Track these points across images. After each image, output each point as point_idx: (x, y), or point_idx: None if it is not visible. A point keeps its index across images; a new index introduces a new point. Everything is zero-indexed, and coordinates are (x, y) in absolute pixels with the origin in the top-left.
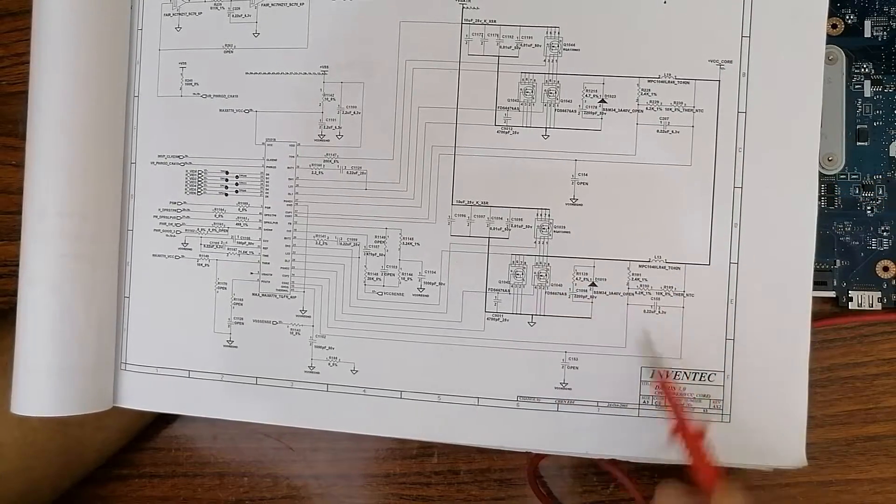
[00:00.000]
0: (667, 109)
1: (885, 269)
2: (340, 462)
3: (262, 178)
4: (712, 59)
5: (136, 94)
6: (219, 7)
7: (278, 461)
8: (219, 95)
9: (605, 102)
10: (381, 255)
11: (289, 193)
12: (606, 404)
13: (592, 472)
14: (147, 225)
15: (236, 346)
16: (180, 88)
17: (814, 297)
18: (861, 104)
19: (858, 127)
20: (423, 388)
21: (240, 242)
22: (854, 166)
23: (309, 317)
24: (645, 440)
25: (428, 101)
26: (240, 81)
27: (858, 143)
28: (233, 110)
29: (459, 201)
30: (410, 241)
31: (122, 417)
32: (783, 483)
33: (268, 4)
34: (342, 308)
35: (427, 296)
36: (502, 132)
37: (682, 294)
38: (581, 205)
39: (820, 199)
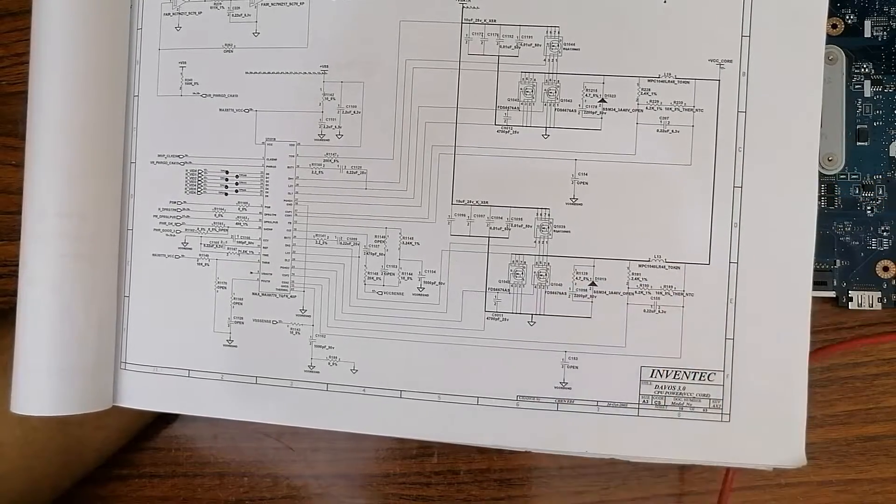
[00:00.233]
0: (667, 109)
1: (885, 269)
2: (340, 462)
3: (262, 177)
4: (712, 59)
5: (136, 94)
6: (219, 6)
7: (278, 461)
8: (219, 95)
9: (605, 102)
10: (381, 254)
11: (289, 193)
12: (606, 404)
13: (593, 471)
14: (147, 224)
15: (236, 346)
16: (180, 88)
17: (814, 297)
18: (861, 104)
19: (858, 127)
20: (423, 388)
21: (240, 242)
22: (854, 166)
23: (309, 316)
24: (645, 440)
25: (428, 101)
26: (240, 81)
27: (858, 143)
28: (233, 110)
29: (459, 201)
30: (410, 241)
31: (122, 417)
32: (783, 483)
33: (268, 4)
34: (342, 307)
35: (427, 295)
36: (502, 132)
37: (682, 293)
38: (581, 204)
39: (820, 199)
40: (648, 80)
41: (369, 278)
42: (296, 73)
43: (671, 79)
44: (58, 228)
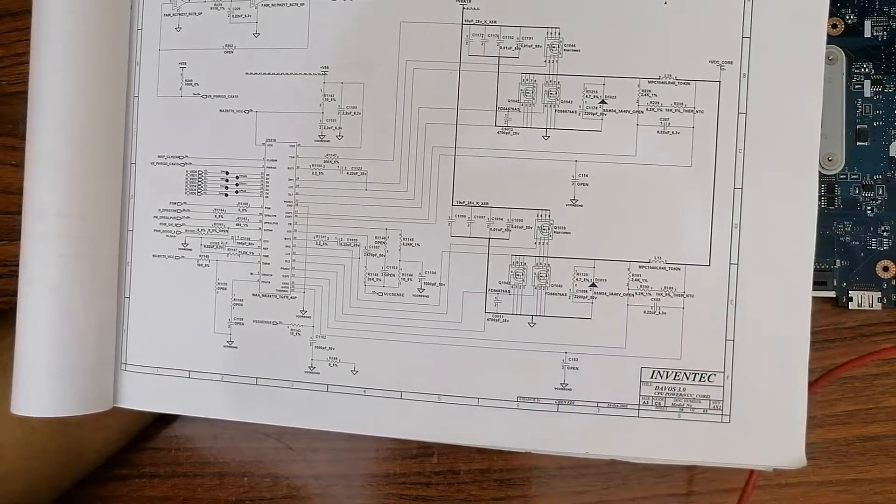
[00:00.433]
0: (667, 110)
1: (885, 269)
2: (340, 462)
3: (263, 178)
4: (713, 60)
5: (136, 95)
6: (219, 7)
7: (278, 461)
8: (219, 96)
9: (605, 103)
10: (381, 255)
11: (289, 194)
12: (606, 404)
13: (593, 472)
14: (147, 225)
15: (236, 347)
16: (180, 89)
17: (814, 297)
18: (861, 104)
19: (858, 127)
20: (423, 389)
21: (240, 243)
22: (854, 166)
23: (309, 317)
24: (645, 440)
25: (428, 102)
26: (240, 82)
27: (858, 143)
28: (233, 110)
29: (460, 202)
30: (411, 242)
31: (122, 418)
32: (783, 483)
33: (268, 5)
34: (342, 308)
35: (427, 296)
36: (503, 133)
37: (682, 295)
38: (581, 205)
39: (820, 199)
40: (649, 82)
41: (369, 279)
42: (296, 73)
43: (671, 80)
44: (58, 229)
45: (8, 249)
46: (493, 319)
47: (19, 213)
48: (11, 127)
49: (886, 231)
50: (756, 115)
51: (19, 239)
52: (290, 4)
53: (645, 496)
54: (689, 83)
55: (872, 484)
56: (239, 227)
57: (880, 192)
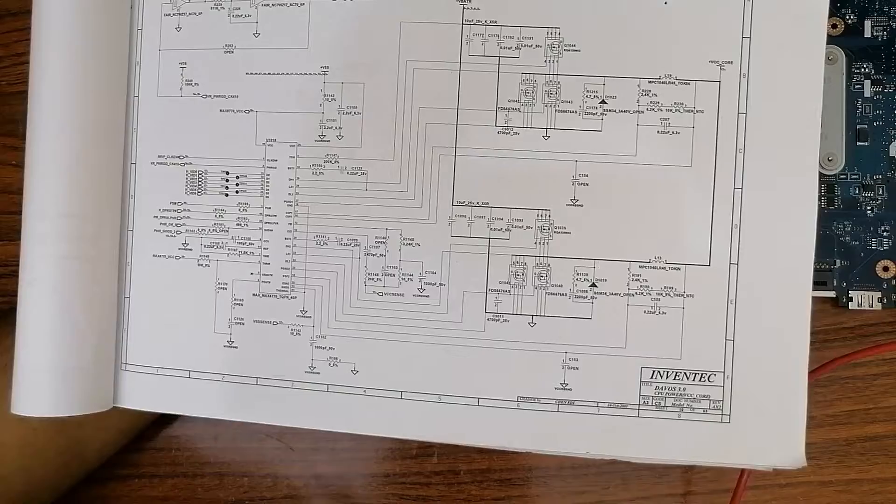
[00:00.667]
0: (667, 110)
1: (885, 269)
2: (340, 462)
3: (263, 178)
4: (713, 60)
5: (136, 95)
6: (219, 7)
7: (278, 461)
8: (219, 96)
9: (605, 103)
10: (381, 255)
11: (289, 194)
12: (606, 404)
13: (593, 471)
14: (147, 225)
15: (236, 347)
16: (180, 89)
17: (814, 297)
18: (861, 104)
19: (858, 127)
20: (423, 389)
21: (240, 243)
22: (854, 166)
23: (309, 317)
24: (645, 440)
25: (428, 102)
26: (240, 82)
27: (858, 143)
28: (233, 110)
29: (460, 202)
30: (411, 242)
31: (123, 418)
32: (783, 483)
33: (268, 5)
34: (343, 308)
35: (427, 296)
36: (503, 133)
37: (683, 295)
38: (581, 205)
39: (820, 199)
40: (649, 82)
41: (370, 279)
42: (296, 73)
43: (672, 80)
44: (58, 229)
45: (8, 249)
46: (493, 319)
47: (19, 213)
48: (11, 127)
49: (886, 231)
50: (756, 114)
51: (19, 239)
52: (291, 4)
53: (645, 496)
54: (689, 83)
55: (872, 484)
56: (239, 227)
57: (880, 192)
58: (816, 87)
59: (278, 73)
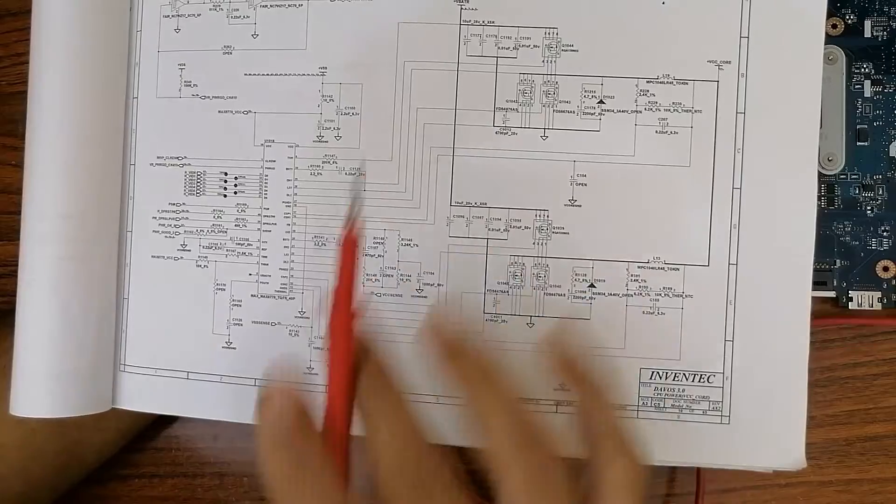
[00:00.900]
0: (665, 110)
1: (885, 269)
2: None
3: (261, 179)
4: (711, 60)
5: (135, 96)
6: (218, 9)
7: None
8: (218, 97)
9: (603, 103)
10: (379, 256)
11: (287, 195)
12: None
13: None
14: (146, 226)
15: (235, 348)
16: (179, 90)
17: (814, 297)
18: (861, 104)
19: (858, 127)
20: (422, 389)
21: (238, 244)
22: (854, 166)
23: (308, 318)
24: (644, 442)
25: (426, 103)
26: (238, 83)
27: (858, 143)
28: (231, 111)
29: (458, 202)
30: (409, 243)
31: (122, 419)
32: (783, 483)
33: (266, 6)
34: None
35: (426, 297)
36: (501, 133)
37: (682, 295)
38: (580, 206)
39: (820, 199)
40: (647, 82)
41: (368, 280)
42: (294, 74)
43: (670, 80)
44: (57, 230)
45: (8, 249)
46: (491, 320)
47: (19, 213)
48: (11, 127)
49: (886, 231)
50: (755, 114)
51: (19, 239)
52: (289, 6)
53: (645, 496)
54: (687, 83)
55: (872, 484)
56: (238, 227)
57: (880, 192)
58: (815, 85)
59: (277, 74)
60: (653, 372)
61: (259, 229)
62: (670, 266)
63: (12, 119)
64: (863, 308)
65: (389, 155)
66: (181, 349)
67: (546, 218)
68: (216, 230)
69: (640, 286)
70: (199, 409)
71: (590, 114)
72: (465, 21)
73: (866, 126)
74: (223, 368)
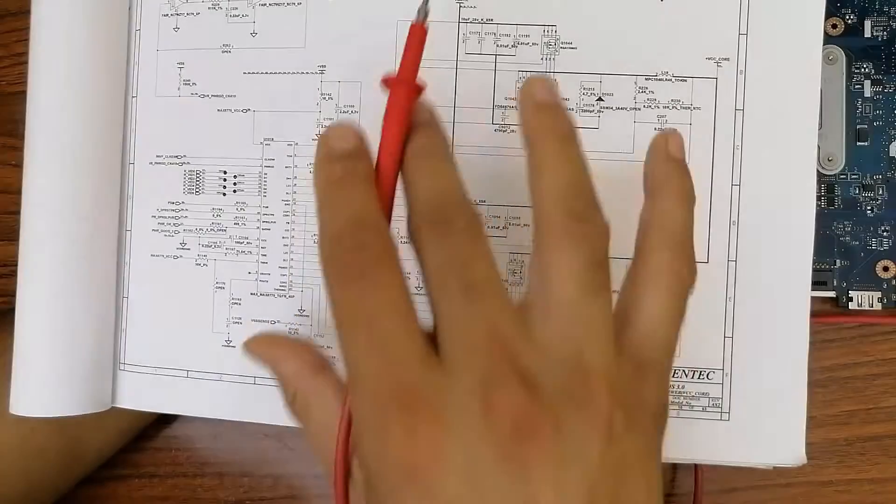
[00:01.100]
0: (664, 107)
1: (885, 269)
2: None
3: (260, 177)
4: (709, 57)
5: (135, 95)
6: (217, 7)
7: (278, 461)
8: (217, 95)
9: (602, 101)
10: None
11: (287, 193)
12: None
13: None
14: (145, 225)
15: (235, 346)
16: (178, 88)
17: (814, 297)
18: (861, 104)
19: (858, 127)
20: None
21: (238, 242)
22: (854, 166)
23: (308, 316)
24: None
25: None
26: (238, 81)
27: (858, 143)
28: (231, 110)
29: None
30: (409, 241)
31: (122, 418)
32: (783, 483)
33: (265, 4)
34: None
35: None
36: (500, 130)
37: None
38: None
39: (820, 199)
40: (646, 79)
41: None
42: (293, 73)
43: (668, 77)
44: (57, 229)
45: (8, 249)
46: None
47: (19, 213)
48: (11, 127)
49: (886, 231)
50: (753, 111)
51: (19, 239)
52: (288, 4)
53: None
54: (685, 80)
55: (872, 484)
56: (237, 226)
57: (880, 192)
58: (814, 83)
59: (276, 73)
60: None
61: (258, 228)
62: None
63: (12, 119)
64: (863, 308)
65: None
66: (181, 348)
67: None
68: (215, 229)
69: None
70: (199, 408)
71: (589, 111)
72: (464, 19)
73: (866, 126)
74: (223, 367)
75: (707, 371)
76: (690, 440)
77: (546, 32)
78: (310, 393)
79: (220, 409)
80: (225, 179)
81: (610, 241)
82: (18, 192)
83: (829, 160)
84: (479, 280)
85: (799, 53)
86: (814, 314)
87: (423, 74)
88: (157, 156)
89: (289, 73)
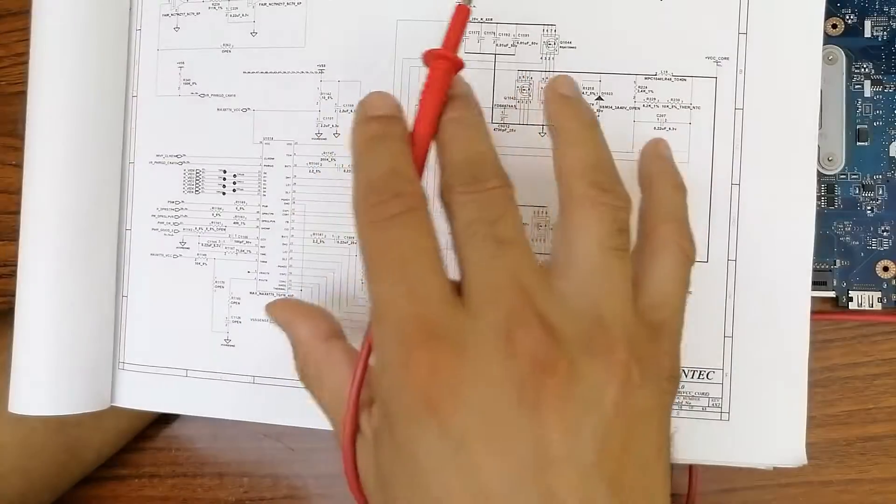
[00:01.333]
0: (664, 107)
1: (885, 269)
2: (340, 462)
3: (260, 176)
4: (709, 56)
5: (135, 94)
6: (217, 7)
7: (278, 461)
8: (217, 95)
9: (601, 100)
10: None
11: (286, 192)
12: None
13: None
14: (145, 224)
15: (234, 345)
16: (178, 88)
17: (814, 297)
18: (861, 104)
19: (858, 127)
20: None
21: (237, 241)
22: (854, 166)
23: None
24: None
25: None
26: (237, 81)
27: (858, 143)
28: (230, 109)
29: None
30: None
31: (121, 418)
32: (783, 483)
33: (265, 4)
34: (340, 306)
35: None
36: (499, 130)
37: None
38: None
39: (820, 199)
40: (645, 78)
41: None
42: (293, 72)
43: (668, 76)
44: (57, 229)
45: (8, 249)
46: None
47: (19, 213)
48: (11, 127)
49: (886, 231)
50: (753, 111)
51: (19, 239)
52: (288, 3)
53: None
54: (685, 79)
55: (872, 484)
56: (236, 225)
57: (880, 192)
58: (814, 82)
59: (275, 72)
60: None
61: (258, 227)
62: None
63: (12, 119)
64: (863, 308)
65: None
66: (180, 347)
67: (545, 215)
68: (215, 228)
69: None
70: (199, 407)
71: None
72: None
73: (866, 126)
74: (222, 366)
75: (707, 371)
76: (690, 440)
77: (546, 32)
78: (321, 356)
79: (219, 409)
80: (224, 179)
81: (631, 211)
82: (18, 192)
83: (829, 160)
84: (508, 235)
85: (799, 53)
86: (814, 314)
87: (424, 73)
88: (157, 155)
89: (289, 72)
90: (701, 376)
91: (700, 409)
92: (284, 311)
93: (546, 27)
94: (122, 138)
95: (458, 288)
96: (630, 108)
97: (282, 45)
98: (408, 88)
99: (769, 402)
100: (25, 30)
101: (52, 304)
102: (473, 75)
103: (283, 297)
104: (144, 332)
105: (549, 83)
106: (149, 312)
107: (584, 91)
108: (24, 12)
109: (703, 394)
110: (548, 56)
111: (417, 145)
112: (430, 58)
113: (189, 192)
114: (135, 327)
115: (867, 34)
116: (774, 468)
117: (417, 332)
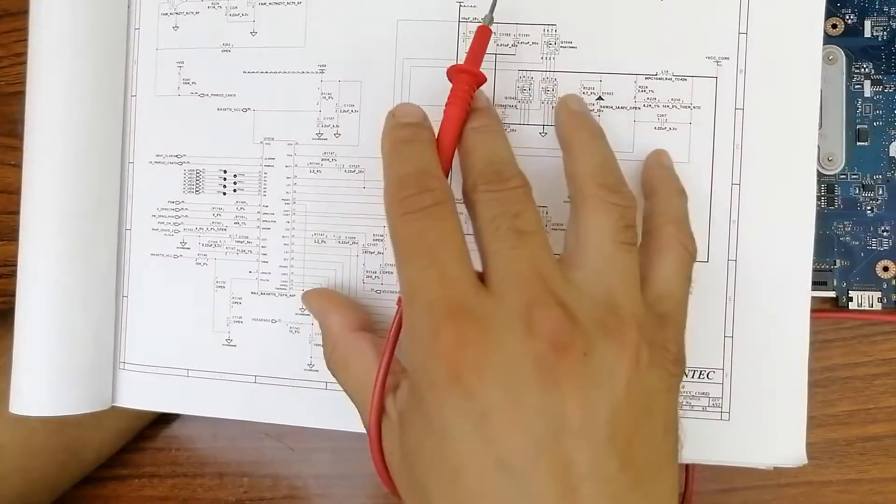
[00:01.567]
0: (664, 106)
1: (885, 269)
2: (340, 462)
3: (261, 176)
4: (709, 56)
5: (134, 94)
6: (216, 6)
7: (278, 461)
8: (216, 94)
9: (602, 100)
10: (379, 253)
11: (287, 192)
12: None
13: None
14: (145, 224)
15: (235, 345)
16: (178, 88)
17: (814, 298)
18: (861, 104)
19: (858, 127)
20: None
21: (238, 241)
22: (854, 166)
23: (308, 315)
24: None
25: (426, 100)
26: (237, 80)
27: (858, 143)
28: (230, 109)
29: (459, 199)
30: None
31: (121, 418)
32: (783, 483)
33: (265, 3)
34: None
35: None
36: None
37: None
38: None
39: (820, 199)
40: (646, 78)
41: (368, 277)
42: (293, 72)
43: (668, 76)
44: (56, 228)
45: (8, 249)
46: None
47: (19, 213)
48: (11, 127)
49: (886, 231)
50: (753, 110)
51: (19, 239)
52: (288, 3)
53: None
54: (685, 79)
55: (872, 484)
56: (237, 225)
57: (880, 192)
58: (814, 82)
59: (275, 72)
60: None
61: (258, 227)
62: None
63: (12, 119)
64: (863, 308)
65: None
66: (181, 347)
67: (545, 215)
68: (215, 228)
69: None
70: (199, 407)
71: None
72: (464, 18)
73: (866, 126)
74: (223, 366)
75: (707, 371)
76: (690, 440)
77: (546, 32)
78: (349, 345)
79: (220, 409)
80: (225, 179)
81: (636, 210)
82: (18, 192)
83: (829, 160)
84: (528, 228)
85: (799, 53)
86: (814, 314)
87: (424, 73)
88: (157, 155)
89: (289, 72)
90: (701, 376)
91: (700, 408)
92: (319, 301)
93: (546, 27)
94: (122, 138)
95: (481, 278)
96: (630, 107)
97: (282, 45)
98: (408, 88)
99: (769, 402)
100: (24, 30)
101: (52, 304)
102: None
103: (319, 287)
104: (145, 333)
105: (560, 100)
106: (149, 313)
107: (585, 91)
108: (22, 12)
109: (703, 394)
110: (548, 56)
111: (443, 150)
112: (453, 72)
113: (189, 192)
114: (135, 327)
115: (867, 34)
116: (774, 468)
117: (446, 308)
